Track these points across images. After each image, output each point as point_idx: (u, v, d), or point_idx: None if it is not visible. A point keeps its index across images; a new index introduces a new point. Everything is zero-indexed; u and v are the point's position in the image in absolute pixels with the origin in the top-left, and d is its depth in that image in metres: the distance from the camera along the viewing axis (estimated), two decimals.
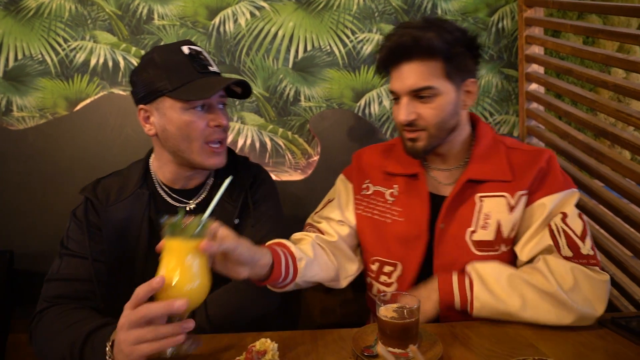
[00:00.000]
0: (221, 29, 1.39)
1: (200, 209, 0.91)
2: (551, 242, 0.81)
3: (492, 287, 0.79)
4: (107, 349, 0.65)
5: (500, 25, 1.44)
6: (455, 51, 0.83)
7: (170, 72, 0.83)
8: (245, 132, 1.43)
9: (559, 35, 1.48)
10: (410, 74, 0.83)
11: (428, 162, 0.95)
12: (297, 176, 1.43)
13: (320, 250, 0.91)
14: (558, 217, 0.82)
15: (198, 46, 0.89)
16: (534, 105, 1.41)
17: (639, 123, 0.97)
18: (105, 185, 0.91)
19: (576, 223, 0.82)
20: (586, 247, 0.80)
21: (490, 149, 0.90)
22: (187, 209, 0.91)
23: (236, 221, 0.90)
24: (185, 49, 0.86)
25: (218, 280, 0.80)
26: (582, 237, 0.81)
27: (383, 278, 0.94)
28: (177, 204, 0.91)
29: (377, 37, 1.42)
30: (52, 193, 1.35)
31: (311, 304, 1.25)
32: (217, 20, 1.39)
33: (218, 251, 0.62)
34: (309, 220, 1.03)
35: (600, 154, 1.10)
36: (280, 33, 1.40)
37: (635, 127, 1.01)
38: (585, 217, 0.84)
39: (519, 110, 1.45)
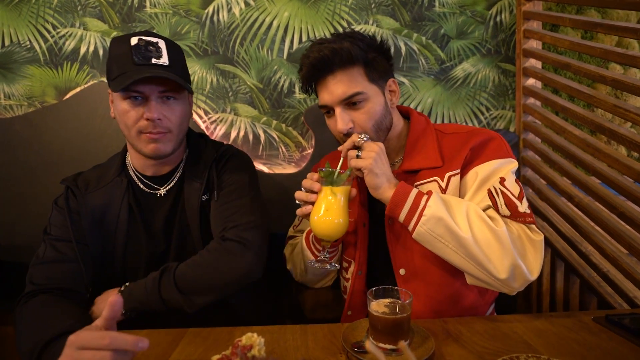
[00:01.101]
0: (215, 18, 1.37)
1: (170, 195, 0.94)
2: (489, 203, 0.83)
3: (448, 204, 0.81)
4: None
5: (498, 18, 1.42)
6: (371, 56, 0.88)
7: (112, 62, 0.87)
8: (239, 123, 1.40)
9: (557, 30, 1.47)
10: (337, 85, 0.87)
11: None
12: (290, 169, 1.42)
13: None
14: (496, 181, 0.84)
15: (158, 37, 0.89)
16: (531, 100, 1.40)
17: (637, 119, 0.96)
18: (86, 176, 0.95)
19: (513, 186, 0.84)
20: (523, 206, 0.83)
21: (422, 140, 0.93)
22: (158, 195, 0.94)
23: (204, 197, 0.93)
24: (134, 40, 0.87)
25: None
26: (520, 198, 0.83)
27: (343, 273, 0.99)
28: (150, 191, 0.94)
29: (373, 29, 1.39)
30: (38, 184, 1.32)
31: (303, 298, 1.24)
32: (210, 9, 1.36)
33: (354, 195, 0.83)
34: (290, 234, 1.10)
35: (597, 150, 1.09)
36: (275, 23, 1.37)
37: (632, 123, 1.00)
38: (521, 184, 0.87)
39: (515, 106, 1.44)
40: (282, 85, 1.40)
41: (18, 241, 1.30)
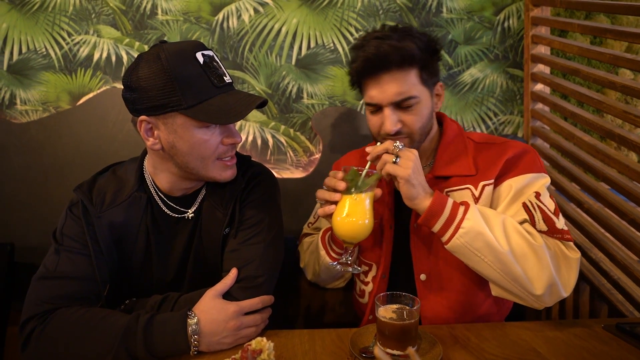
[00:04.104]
0: (225, 25, 1.39)
1: (197, 216, 0.87)
2: (526, 217, 0.82)
3: (486, 217, 0.79)
4: (195, 337, 0.72)
5: (506, 24, 1.42)
6: (427, 57, 0.85)
7: (184, 87, 0.74)
8: (247, 128, 1.42)
9: (565, 35, 1.46)
10: (391, 84, 0.83)
11: None
12: (298, 174, 1.43)
13: None
14: (532, 195, 0.83)
15: (209, 49, 0.81)
16: (540, 105, 1.39)
17: None
18: (101, 188, 0.86)
19: (549, 201, 0.83)
20: (560, 223, 0.82)
21: (454, 146, 0.92)
22: (187, 217, 0.87)
23: (226, 230, 0.85)
24: (200, 57, 0.77)
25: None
26: (556, 214, 0.82)
27: (362, 277, 0.97)
28: (175, 215, 0.87)
29: None
30: (53, 186, 1.35)
31: (311, 302, 1.25)
32: (220, 16, 1.39)
33: (380, 196, 0.81)
34: (305, 231, 1.08)
35: (607, 156, 1.08)
36: (283, 30, 1.39)
37: None
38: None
39: (523, 111, 1.43)
40: (291, 91, 1.41)
41: (32, 242, 1.32)
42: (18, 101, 1.39)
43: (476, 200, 0.86)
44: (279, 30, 1.39)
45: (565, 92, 1.25)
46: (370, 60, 0.83)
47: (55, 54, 1.38)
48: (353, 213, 0.77)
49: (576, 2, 1.19)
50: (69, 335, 0.72)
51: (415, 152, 0.81)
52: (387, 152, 0.80)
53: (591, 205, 1.15)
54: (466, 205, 0.79)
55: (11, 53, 1.37)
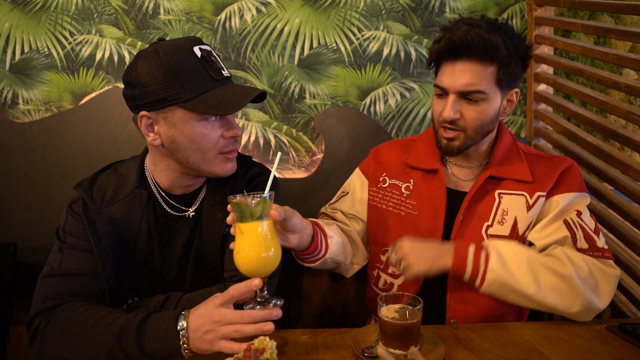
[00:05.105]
0: (227, 25, 1.39)
1: (197, 215, 0.87)
2: (568, 234, 0.84)
3: (508, 263, 0.80)
4: (182, 332, 0.67)
5: (509, 24, 1.41)
6: (511, 59, 0.84)
7: (183, 80, 0.75)
8: (250, 128, 1.42)
9: (569, 35, 1.46)
10: (464, 74, 0.83)
11: (449, 158, 0.97)
12: (300, 174, 1.43)
13: (343, 234, 0.98)
14: (573, 214, 0.85)
15: (206, 44, 0.82)
16: (542, 106, 1.39)
17: None
18: (102, 184, 0.87)
19: (589, 220, 0.86)
20: (601, 241, 0.84)
21: (511, 151, 0.94)
22: (186, 216, 0.87)
23: (226, 230, 0.85)
24: (197, 51, 0.78)
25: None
26: (596, 233, 0.84)
27: (392, 269, 0.96)
28: (176, 213, 0.87)
29: (383, 35, 1.40)
30: (55, 186, 1.35)
31: (313, 301, 1.25)
32: (223, 15, 1.39)
33: (280, 219, 0.71)
34: (323, 210, 1.08)
35: (610, 157, 1.08)
36: (286, 29, 1.39)
37: None
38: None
39: (526, 111, 1.43)
40: (293, 91, 1.41)
41: (34, 242, 1.33)
42: (20, 101, 1.39)
43: (529, 208, 0.87)
44: (282, 30, 1.39)
45: (568, 93, 1.25)
46: (453, 44, 0.82)
47: (58, 53, 1.38)
48: (248, 246, 0.68)
49: (580, 2, 1.19)
50: (70, 330, 0.72)
51: (403, 239, 0.83)
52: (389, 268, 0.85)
53: (594, 206, 1.15)
54: (487, 253, 0.81)
55: (13, 53, 1.37)
